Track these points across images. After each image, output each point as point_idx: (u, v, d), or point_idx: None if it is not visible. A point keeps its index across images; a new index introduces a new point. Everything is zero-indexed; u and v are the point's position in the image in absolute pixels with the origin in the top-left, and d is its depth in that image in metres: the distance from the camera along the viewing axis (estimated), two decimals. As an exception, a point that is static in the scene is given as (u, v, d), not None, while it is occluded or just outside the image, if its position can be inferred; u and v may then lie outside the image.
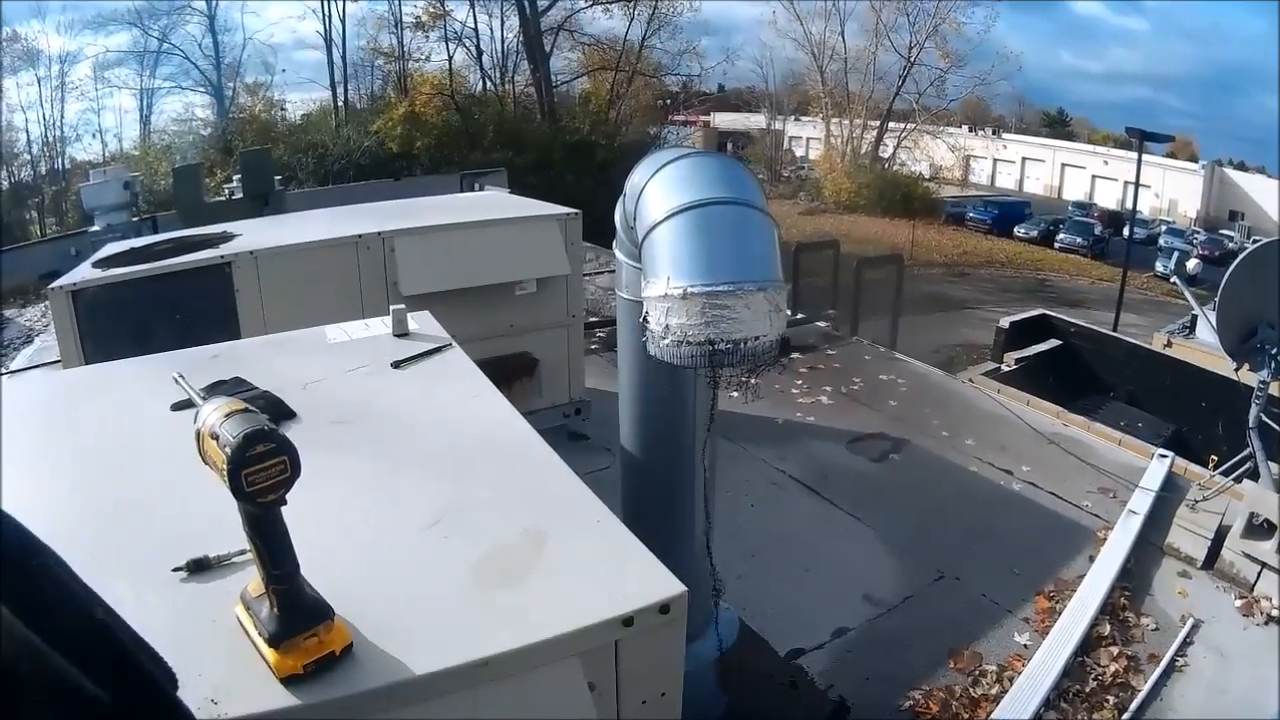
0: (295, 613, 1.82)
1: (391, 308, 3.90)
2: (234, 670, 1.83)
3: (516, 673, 1.93)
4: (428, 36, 44.97)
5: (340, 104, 44.38)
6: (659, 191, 3.69)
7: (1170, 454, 8.53)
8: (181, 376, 2.23)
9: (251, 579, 1.91)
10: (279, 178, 24.07)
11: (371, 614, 1.96)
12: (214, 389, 3.07)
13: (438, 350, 3.66)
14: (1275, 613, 6.23)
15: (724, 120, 54.39)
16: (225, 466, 1.67)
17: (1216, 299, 6.98)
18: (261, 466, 1.68)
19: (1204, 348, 13.16)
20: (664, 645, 2.16)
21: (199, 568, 2.13)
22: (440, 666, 1.86)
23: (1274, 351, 6.75)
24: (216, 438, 1.71)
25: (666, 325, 3.41)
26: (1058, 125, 55.33)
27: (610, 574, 2.19)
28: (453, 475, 2.67)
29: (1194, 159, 49.24)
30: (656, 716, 2.24)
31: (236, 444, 1.66)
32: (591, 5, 47.15)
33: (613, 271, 4.69)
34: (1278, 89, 39.61)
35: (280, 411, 2.98)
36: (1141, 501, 7.57)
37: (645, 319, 3.54)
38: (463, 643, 1.92)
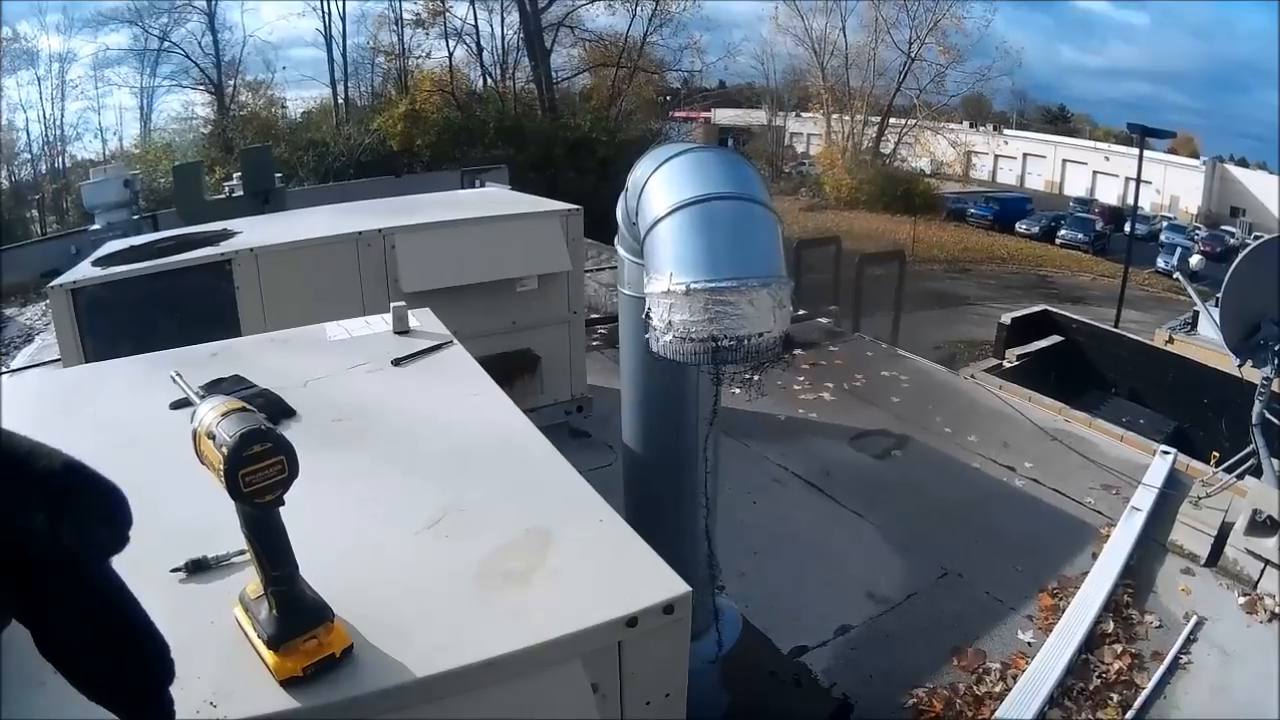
0: (295, 615, 1.80)
1: (392, 305, 3.89)
2: (232, 673, 1.81)
3: (519, 674, 1.92)
4: (428, 33, 45.02)
5: (341, 101, 44.39)
6: (662, 187, 3.66)
7: (1173, 451, 8.52)
8: (179, 375, 2.21)
9: (250, 580, 1.89)
10: (279, 175, 24.01)
11: (372, 615, 1.94)
12: (212, 387, 3.05)
13: (439, 347, 3.64)
14: (1278, 610, 6.21)
15: (725, 116, 54.23)
16: (222, 467, 1.65)
17: (1219, 295, 6.96)
18: (259, 467, 1.66)
19: (1206, 344, 13.16)
20: (668, 646, 2.14)
21: (197, 568, 2.12)
22: (442, 668, 1.84)
23: (1277, 348, 6.73)
24: (213, 437, 1.69)
25: (669, 322, 3.38)
26: (1059, 121, 55.29)
27: (614, 574, 2.17)
28: (454, 474, 2.65)
29: (1195, 155, 49.21)
30: (660, 717, 2.22)
31: (233, 444, 1.64)
32: (592, 1, 47.17)
33: (614, 268, 4.67)
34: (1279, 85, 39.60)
35: (280, 410, 2.96)
36: (1144, 498, 7.55)
37: (648, 315, 3.52)
38: (464, 644, 1.90)
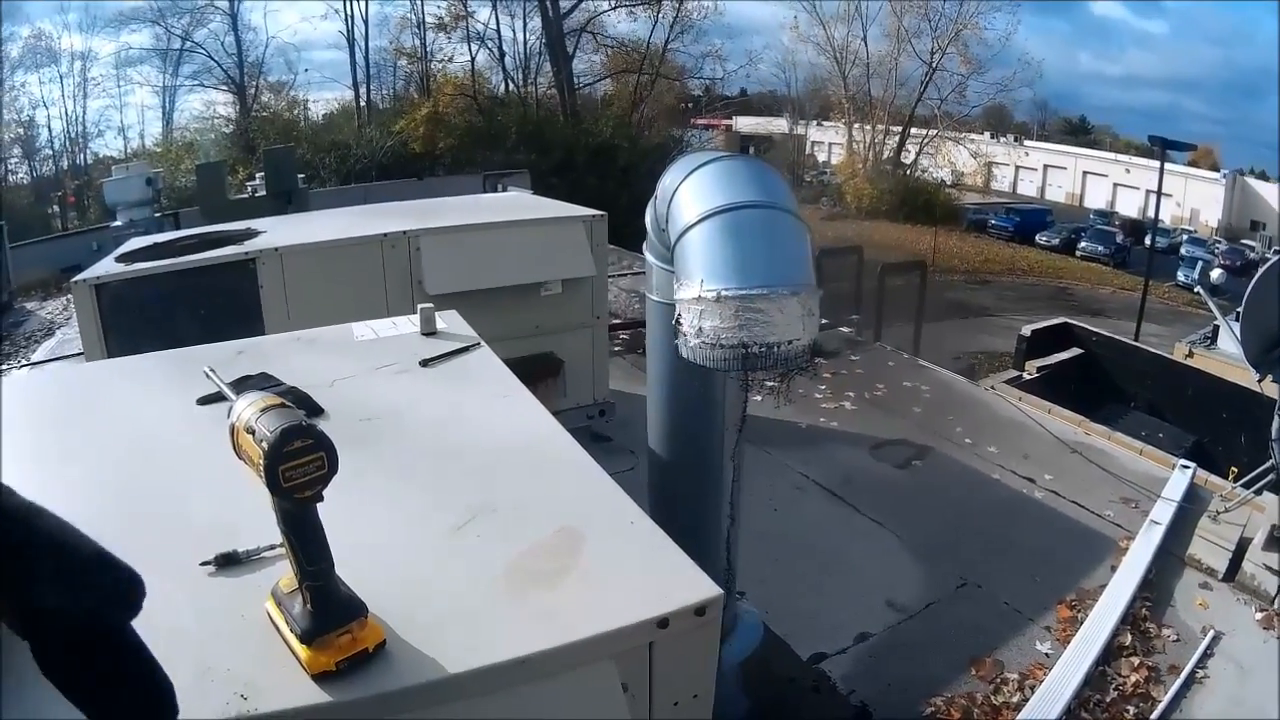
0: (328, 609, 1.80)
1: (420, 306, 3.89)
2: (264, 666, 1.82)
3: (550, 673, 1.92)
4: (450, 37, 45.16)
5: (363, 104, 44.55)
6: (691, 195, 3.67)
7: (1192, 465, 8.49)
8: (213, 370, 2.23)
9: (284, 575, 1.90)
10: (301, 176, 24.08)
11: (405, 612, 1.94)
12: (240, 384, 3.06)
13: (466, 349, 3.64)
14: (1297, 626, 6.20)
15: (746, 124, 54.18)
16: (262, 462, 1.66)
17: (1240, 309, 6.94)
18: (299, 462, 1.67)
19: (1226, 358, 13.15)
20: (698, 647, 2.13)
21: (227, 562, 2.12)
22: (474, 666, 1.84)
23: (1297, 363, 6.71)
24: (252, 432, 1.70)
25: (699, 328, 3.40)
26: (1080, 133, 55.13)
27: (645, 575, 2.17)
28: (484, 474, 2.65)
29: (1215, 168, 49.04)
30: (688, 718, 2.22)
31: (274, 439, 1.65)
32: (614, 8, 47.21)
33: (636, 273, 4.68)
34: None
35: (309, 408, 2.96)
36: (1163, 512, 7.53)
37: (678, 322, 3.53)
38: (497, 642, 1.90)
